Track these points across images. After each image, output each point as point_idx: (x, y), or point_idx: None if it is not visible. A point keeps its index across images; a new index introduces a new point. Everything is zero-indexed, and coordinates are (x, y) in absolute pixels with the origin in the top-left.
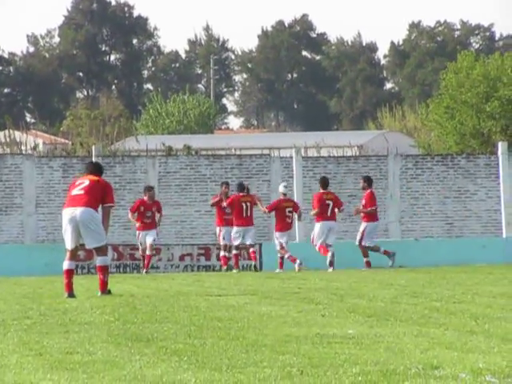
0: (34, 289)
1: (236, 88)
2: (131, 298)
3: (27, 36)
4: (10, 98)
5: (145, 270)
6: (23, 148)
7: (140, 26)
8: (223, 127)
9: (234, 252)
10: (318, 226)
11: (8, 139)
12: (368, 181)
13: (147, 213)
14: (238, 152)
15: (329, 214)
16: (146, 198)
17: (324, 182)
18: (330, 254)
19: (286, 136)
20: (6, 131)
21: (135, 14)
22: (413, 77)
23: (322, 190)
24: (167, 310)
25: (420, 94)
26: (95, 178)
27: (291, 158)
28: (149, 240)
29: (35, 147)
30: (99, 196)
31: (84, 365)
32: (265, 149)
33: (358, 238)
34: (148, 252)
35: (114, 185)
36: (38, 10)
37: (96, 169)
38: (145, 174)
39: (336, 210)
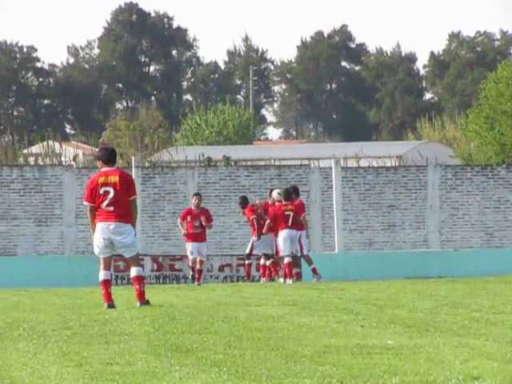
0: (73, 300)
1: (275, 99)
2: (171, 309)
3: (67, 47)
4: (50, 110)
5: (197, 283)
6: (63, 159)
7: (179, 37)
8: (262, 138)
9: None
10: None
11: (48, 150)
12: (295, 191)
13: (194, 222)
14: (277, 163)
15: (289, 223)
16: (192, 207)
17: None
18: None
19: (325, 146)
20: (47, 142)
21: (175, 25)
22: (452, 87)
23: (283, 201)
24: (207, 320)
25: (459, 104)
26: (116, 174)
27: (330, 168)
28: (201, 256)
29: (75, 158)
30: (126, 196)
31: (124, 376)
32: (304, 159)
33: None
34: (198, 267)
35: (153, 196)
36: (78, 22)
37: (114, 157)
38: (184, 185)
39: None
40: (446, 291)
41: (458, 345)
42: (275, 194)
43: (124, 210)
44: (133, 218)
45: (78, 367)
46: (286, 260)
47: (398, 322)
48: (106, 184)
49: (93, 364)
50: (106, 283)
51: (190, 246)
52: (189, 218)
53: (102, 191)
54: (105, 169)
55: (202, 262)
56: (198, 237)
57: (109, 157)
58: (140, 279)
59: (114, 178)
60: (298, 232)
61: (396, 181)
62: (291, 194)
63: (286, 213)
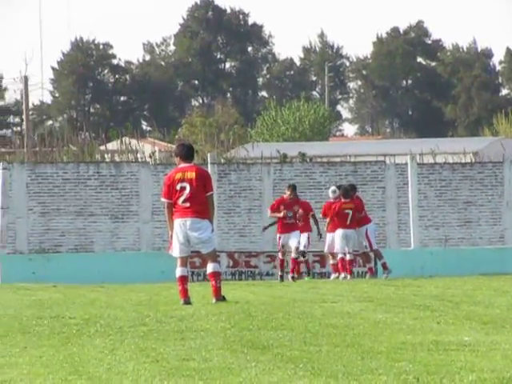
0: (150, 296)
1: (351, 95)
2: (247, 305)
3: (143, 44)
4: (126, 107)
5: (291, 275)
6: (139, 156)
7: (255, 34)
8: (338, 134)
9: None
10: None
11: (125, 147)
12: (353, 189)
13: (288, 213)
14: (352, 159)
15: (348, 222)
16: (285, 196)
17: (344, 191)
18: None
19: (400, 143)
20: (123, 139)
21: (250, 21)
22: None
23: (342, 199)
24: (282, 317)
25: None
26: (193, 170)
27: (406, 164)
28: (293, 243)
29: (151, 155)
30: (202, 192)
31: (200, 372)
32: (379, 156)
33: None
34: (293, 255)
35: (228, 192)
36: (154, 19)
37: (192, 153)
38: (260, 182)
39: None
40: None
41: None
42: (330, 191)
43: (201, 206)
44: (210, 213)
45: (155, 363)
46: (340, 256)
47: (475, 318)
48: (182, 180)
49: (169, 360)
50: (183, 279)
51: (281, 239)
52: (282, 208)
53: (178, 187)
54: (182, 165)
55: (295, 249)
56: (289, 227)
57: (186, 153)
58: (216, 275)
59: (191, 174)
60: (359, 229)
61: (472, 177)
62: (349, 191)
63: (346, 211)
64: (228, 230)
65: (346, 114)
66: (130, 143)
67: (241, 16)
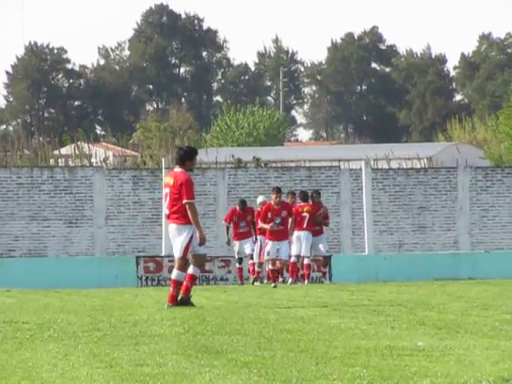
0: (104, 301)
1: (305, 100)
2: (201, 310)
3: (98, 49)
4: (80, 111)
5: (291, 279)
6: (93, 160)
7: (209, 39)
8: (292, 139)
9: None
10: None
11: (78, 152)
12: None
13: (276, 219)
14: (307, 164)
15: (304, 225)
16: (272, 202)
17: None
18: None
19: (355, 148)
20: (77, 144)
21: (205, 26)
22: (483, 88)
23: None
24: (237, 322)
25: (490, 105)
26: (174, 177)
27: (360, 170)
28: (283, 254)
29: (105, 160)
30: (179, 199)
31: (154, 377)
32: (334, 161)
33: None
34: (293, 259)
35: None
36: (109, 23)
37: (181, 157)
38: (214, 186)
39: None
40: (477, 293)
41: (489, 347)
42: (260, 198)
43: (177, 214)
44: (189, 219)
45: (108, 368)
46: (292, 260)
47: (429, 323)
48: (166, 185)
49: (123, 365)
50: (176, 283)
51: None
52: (269, 215)
53: (163, 193)
54: (173, 170)
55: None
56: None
57: (176, 157)
58: (175, 282)
59: (170, 180)
60: (320, 236)
61: (426, 182)
62: (307, 195)
63: (303, 214)
64: None
65: (300, 119)
66: (83, 148)
67: (195, 21)
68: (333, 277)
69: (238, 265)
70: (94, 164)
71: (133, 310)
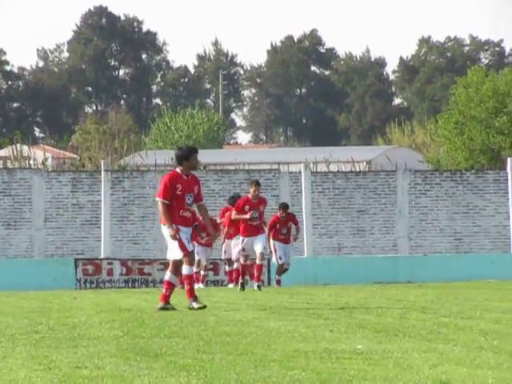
0: (42, 303)
1: (245, 103)
2: (140, 313)
3: (37, 50)
4: (19, 113)
5: (256, 284)
6: (32, 163)
7: (149, 41)
8: (232, 142)
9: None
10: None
11: (17, 154)
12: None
13: (254, 213)
14: (246, 167)
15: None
16: (250, 196)
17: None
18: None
19: (294, 151)
20: (15, 146)
21: (144, 28)
22: (422, 92)
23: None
24: (175, 324)
25: (429, 109)
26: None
27: (300, 173)
28: (258, 248)
29: (44, 162)
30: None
31: (93, 379)
32: (274, 164)
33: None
34: (258, 261)
35: (122, 199)
36: (48, 25)
37: (178, 158)
38: (153, 189)
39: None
40: (415, 296)
41: (427, 350)
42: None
43: (160, 213)
44: (164, 219)
45: (47, 371)
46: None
47: (367, 326)
48: None
49: (61, 368)
50: (170, 285)
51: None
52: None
53: None
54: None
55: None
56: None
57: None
58: (167, 283)
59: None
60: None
61: (365, 186)
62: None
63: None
64: (121, 237)
65: (240, 121)
66: (22, 150)
67: (135, 23)
68: (271, 280)
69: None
70: (33, 166)
71: (71, 313)
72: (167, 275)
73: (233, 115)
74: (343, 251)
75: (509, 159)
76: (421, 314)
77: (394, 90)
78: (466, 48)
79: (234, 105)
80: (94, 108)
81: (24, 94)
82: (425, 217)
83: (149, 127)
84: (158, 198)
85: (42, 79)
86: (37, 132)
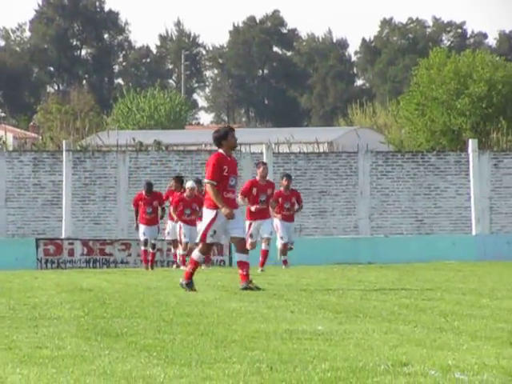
0: (3, 283)
1: (207, 84)
2: (101, 293)
3: None
4: None
5: (260, 269)
6: None
7: (111, 21)
8: (194, 123)
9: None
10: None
11: None
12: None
13: (261, 196)
14: (208, 148)
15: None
16: (257, 178)
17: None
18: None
19: (256, 132)
20: None
21: (106, 8)
22: (384, 73)
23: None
24: (136, 305)
25: (391, 90)
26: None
27: (262, 153)
28: (264, 233)
29: (5, 142)
30: None
31: (53, 359)
32: None
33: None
34: (263, 246)
35: (83, 180)
36: (10, 4)
37: (214, 142)
38: (115, 169)
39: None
40: (376, 277)
41: (387, 331)
42: (189, 183)
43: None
44: (209, 203)
45: (7, 351)
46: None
47: (328, 307)
48: None
49: (22, 348)
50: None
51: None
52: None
53: None
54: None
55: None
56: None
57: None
58: (193, 262)
59: None
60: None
61: (327, 167)
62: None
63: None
64: (83, 217)
65: (202, 102)
66: None
67: (97, 3)
68: (232, 261)
69: (142, 247)
70: None
71: (32, 293)
72: (195, 254)
73: (195, 96)
74: (304, 232)
75: (470, 141)
76: (381, 295)
77: (355, 71)
78: (428, 30)
79: (196, 85)
80: (56, 88)
81: None
82: (386, 198)
83: (111, 107)
84: (206, 180)
85: (4, 58)
86: None
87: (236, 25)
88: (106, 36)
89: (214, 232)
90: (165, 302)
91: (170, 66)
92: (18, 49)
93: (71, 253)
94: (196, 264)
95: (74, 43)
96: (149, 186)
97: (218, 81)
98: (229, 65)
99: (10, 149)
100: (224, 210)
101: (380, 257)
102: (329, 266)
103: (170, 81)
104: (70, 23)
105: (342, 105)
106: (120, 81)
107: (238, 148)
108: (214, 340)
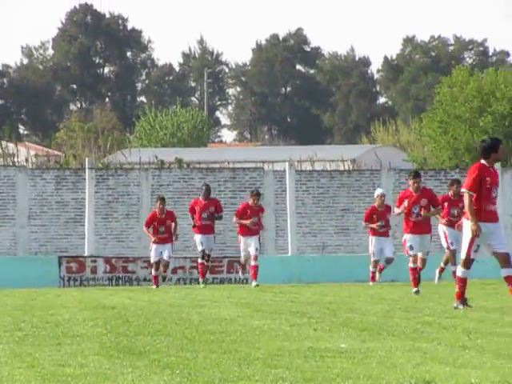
0: (26, 301)
1: (229, 101)
2: (123, 311)
3: (21, 48)
4: (3, 110)
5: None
6: (16, 160)
7: (134, 39)
8: (216, 140)
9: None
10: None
11: (1, 151)
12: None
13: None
14: (231, 165)
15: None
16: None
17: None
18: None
19: (279, 150)
20: (0, 143)
21: (129, 26)
22: (406, 91)
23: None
24: (159, 322)
25: (413, 108)
26: None
27: (284, 171)
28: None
29: (28, 159)
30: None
31: (76, 377)
32: (258, 162)
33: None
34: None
35: (106, 197)
36: (33, 22)
37: (481, 151)
38: (138, 187)
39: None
40: (399, 295)
41: (411, 349)
42: (378, 191)
43: None
44: (469, 213)
45: (30, 369)
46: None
47: (351, 325)
48: None
49: (45, 365)
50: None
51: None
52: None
53: None
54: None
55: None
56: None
57: (479, 150)
58: (460, 280)
59: None
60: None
61: (350, 184)
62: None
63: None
64: (106, 235)
65: (224, 120)
66: (6, 147)
67: (120, 21)
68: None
69: (200, 260)
70: (17, 163)
71: (55, 311)
72: (460, 271)
73: (217, 113)
74: (327, 250)
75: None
76: (404, 313)
77: (378, 89)
78: (451, 47)
79: (218, 103)
80: (79, 106)
81: (8, 91)
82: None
83: (133, 125)
84: (463, 189)
85: (27, 76)
86: (21, 129)
87: (259, 42)
88: (128, 54)
89: (478, 247)
90: (187, 319)
91: (193, 84)
92: (40, 66)
93: (94, 270)
94: (463, 281)
95: (97, 61)
96: (207, 189)
97: (241, 98)
98: (251, 82)
99: (33, 166)
100: (472, 226)
101: (403, 274)
102: (351, 283)
103: (193, 98)
104: (92, 41)
105: (364, 122)
106: (143, 98)
107: (262, 166)
108: (236, 358)
